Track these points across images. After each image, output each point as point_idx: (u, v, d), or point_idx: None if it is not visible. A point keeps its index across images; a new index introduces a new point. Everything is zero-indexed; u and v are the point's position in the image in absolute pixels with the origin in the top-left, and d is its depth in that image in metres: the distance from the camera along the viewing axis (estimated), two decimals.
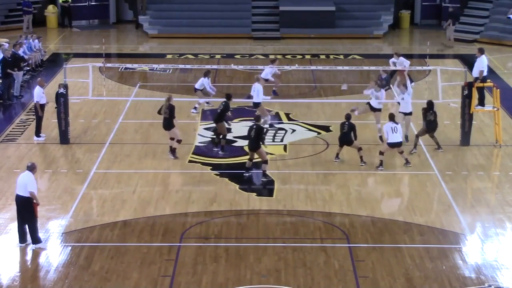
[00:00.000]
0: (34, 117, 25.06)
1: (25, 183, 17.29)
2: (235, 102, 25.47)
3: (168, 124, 23.01)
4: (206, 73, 27.30)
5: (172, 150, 23.05)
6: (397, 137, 22.11)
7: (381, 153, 22.29)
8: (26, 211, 17.38)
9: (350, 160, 23.03)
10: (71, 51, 38.03)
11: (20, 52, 31.05)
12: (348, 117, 22.62)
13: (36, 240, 17.50)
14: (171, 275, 16.32)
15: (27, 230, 17.51)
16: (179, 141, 23.09)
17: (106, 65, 31.28)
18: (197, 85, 27.32)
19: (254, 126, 21.65)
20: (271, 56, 35.22)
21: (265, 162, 21.70)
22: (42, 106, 24.70)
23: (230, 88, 31.03)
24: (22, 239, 17.56)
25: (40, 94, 24.62)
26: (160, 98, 26.95)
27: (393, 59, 29.93)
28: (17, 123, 26.24)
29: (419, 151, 23.68)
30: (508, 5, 40.41)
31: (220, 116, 23.72)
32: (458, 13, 40.25)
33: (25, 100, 28.95)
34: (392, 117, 22.30)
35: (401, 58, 29.61)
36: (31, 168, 17.57)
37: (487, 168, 22.78)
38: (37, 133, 24.65)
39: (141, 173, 21.96)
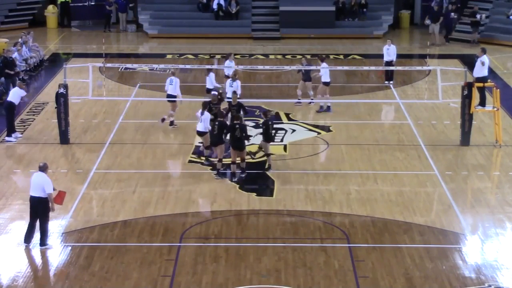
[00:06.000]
0: (6, 116, 24.72)
1: (42, 184, 17.16)
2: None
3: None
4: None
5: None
6: None
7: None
8: (42, 213, 17.26)
9: (350, 160, 23.04)
10: (71, 51, 38.02)
11: (18, 54, 31.08)
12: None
13: (44, 243, 17.39)
14: (171, 275, 16.30)
15: (38, 231, 17.37)
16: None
17: (106, 65, 31.26)
18: None
19: None
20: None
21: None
22: (13, 106, 24.57)
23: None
24: (28, 239, 17.47)
25: (18, 95, 24.55)
26: (161, 98, 26.96)
27: (386, 46, 31.20)
28: (17, 123, 26.11)
29: (419, 152, 23.68)
30: (508, 5, 40.39)
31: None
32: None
33: (26, 100, 28.89)
34: None
35: (392, 46, 31.04)
36: (44, 168, 17.40)
37: (487, 168, 22.76)
38: (9, 133, 24.54)
39: (141, 173, 21.94)
